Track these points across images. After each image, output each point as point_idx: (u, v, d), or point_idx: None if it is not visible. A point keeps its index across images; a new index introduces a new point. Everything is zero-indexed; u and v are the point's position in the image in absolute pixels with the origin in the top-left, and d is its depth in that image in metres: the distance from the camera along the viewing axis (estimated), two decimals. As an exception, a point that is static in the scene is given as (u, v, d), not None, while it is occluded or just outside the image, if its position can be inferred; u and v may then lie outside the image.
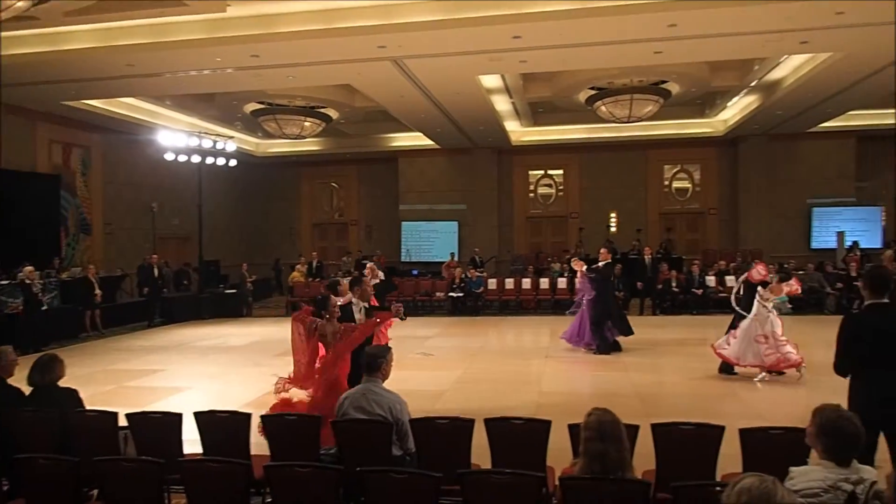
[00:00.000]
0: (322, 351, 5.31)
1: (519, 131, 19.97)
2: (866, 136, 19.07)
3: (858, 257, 16.08)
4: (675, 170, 21.11)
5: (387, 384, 4.17)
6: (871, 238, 18.45)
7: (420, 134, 18.97)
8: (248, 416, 4.26)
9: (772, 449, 3.34)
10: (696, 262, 16.17)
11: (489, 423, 3.77)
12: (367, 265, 9.02)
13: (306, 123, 16.72)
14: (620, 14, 9.22)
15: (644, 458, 3.71)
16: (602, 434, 2.63)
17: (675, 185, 21.17)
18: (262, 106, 16.04)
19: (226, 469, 3.42)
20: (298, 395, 5.52)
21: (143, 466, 3.51)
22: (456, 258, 18.92)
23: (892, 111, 17.82)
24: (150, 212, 18.10)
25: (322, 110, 16.55)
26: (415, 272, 19.50)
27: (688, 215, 21.13)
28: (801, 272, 15.54)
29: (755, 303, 8.22)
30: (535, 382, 8.45)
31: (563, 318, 12.52)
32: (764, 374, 8.04)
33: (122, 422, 4.39)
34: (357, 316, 6.03)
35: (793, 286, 8.44)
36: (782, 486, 1.87)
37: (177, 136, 15.25)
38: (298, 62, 11.41)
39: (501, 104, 16.40)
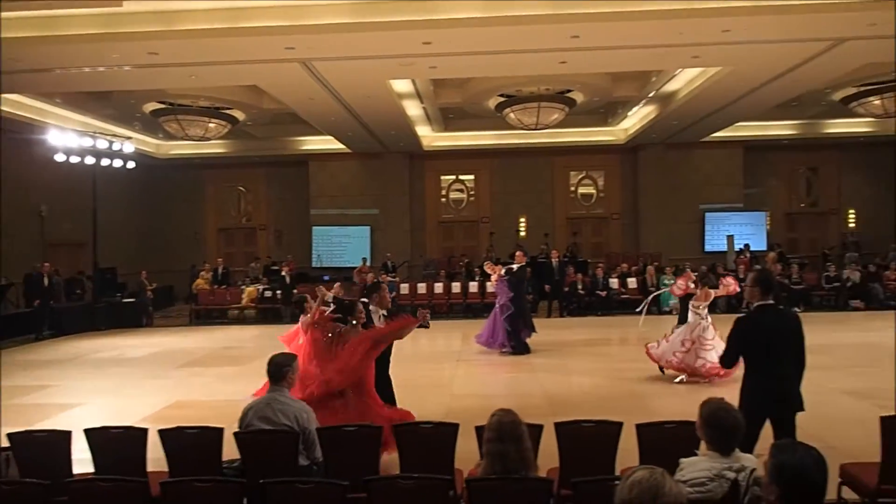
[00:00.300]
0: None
1: (430, 136, 20.11)
2: (752, 146, 20.50)
3: (748, 259, 17.22)
4: (580, 176, 21.89)
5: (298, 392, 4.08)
6: (757, 241, 19.81)
7: (331, 137, 18.73)
8: (145, 431, 4.06)
9: (665, 442, 3.51)
10: (600, 265, 16.82)
11: (397, 428, 3.77)
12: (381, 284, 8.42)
13: (211, 125, 16.14)
14: (527, 24, 9.46)
15: (551, 457, 3.83)
16: (502, 435, 2.69)
17: (581, 190, 21.95)
18: (162, 106, 15.36)
19: (119, 488, 3.24)
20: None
21: (25, 489, 3.28)
22: (368, 263, 18.80)
23: (775, 123, 19.33)
24: (39, 216, 16.91)
25: (227, 111, 16.04)
26: (326, 278, 19.19)
27: (593, 220, 21.94)
28: (695, 273, 16.47)
29: (689, 311, 8.44)
30: (447, 386, 8.51)
31: (477, 322, 12.71)
32: (683, 376, 8.28)
33: (5, 442, 4.08)
34: (377, 323, 5.85)
35: (730, 286, 8.70)
36: (670, 478, 1.97)
37: (68, 136, 14.34)
38: (201, 61, 11.00)
39: (413, 109, 16.46)
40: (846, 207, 21.73)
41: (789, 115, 18.97)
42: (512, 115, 15.82)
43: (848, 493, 3.96)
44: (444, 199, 22.16)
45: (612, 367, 9.49)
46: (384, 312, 5.96)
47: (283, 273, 16.34)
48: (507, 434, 2.66)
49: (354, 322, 5.30)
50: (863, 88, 14.93)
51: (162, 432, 4.09)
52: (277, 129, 19.75)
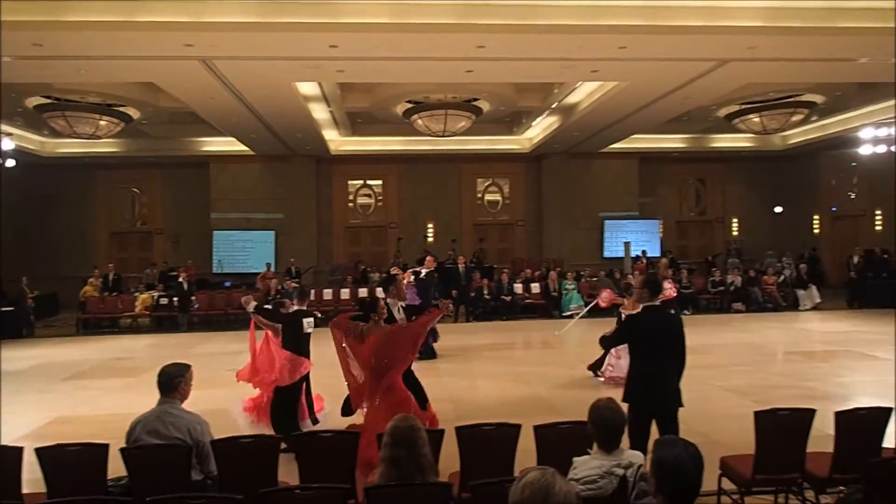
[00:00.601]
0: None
1: (338, 140, 19.89)
2: (647, 157, 21.62)
3: (644, 265, 18.11)
4: (487, 183, 22.30)
5: (197, 403, 3.91)
6: (651, 247, 20.86)
7: (233, 139, 18.14)
8: (20, 450, 3.76)
9: (561, 442, 3.63)
10: (505, 271, 17.19)
11: (297, 438, 3.69)
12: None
13: (102, 122, 15.20)
14: (434, 32, 9.55)
15: (454, 461, 3.85)
16: (396, 440, 2.70)
17: (488, 197, 22.36)
18: (48, 101, 14.32)
19: (-13, 513, 2.99)
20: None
21: None
22: (272, 269, 18.32)
23: (667, 136, 20.49)
24: None
25: (121, 108, 15.18)
26: (227, 284, 18.57)
27: (499, 226, 22.39)
28: (594, 279, 17.17)
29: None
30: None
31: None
32: (601, 378, 8.54)
33: None
34: (398, 315, 5.77)
35: (667, 291, 8.92)
36: (561, 478, 2.04)
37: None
38: (92, 55, 10.35)
39: (319, 112, 16.23)
40: (730, 216, 23.33)
41: (680, 130, 20.17)
42: (420, 121, 15.90)
43: (727, 484, 4.22)
44: (351, 204, 21.96)
45: (516, 370, 9.72)
46: (402, 304, 6.12)
47: (181, 279, 15.64)
48: (401, 439, 2.67)
49: (377, 318, 5.33)
50: (744, 106, 16.09)
51: (39, 451, 3.80)
52: (175, 129, 18.88)
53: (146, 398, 7.11)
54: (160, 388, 3.83)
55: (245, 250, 20.25)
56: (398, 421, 2.73)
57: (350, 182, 21.88)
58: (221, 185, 20.69)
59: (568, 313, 15.78)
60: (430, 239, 21.18)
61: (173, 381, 3.80)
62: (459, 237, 21.09)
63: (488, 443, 3.75)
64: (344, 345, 5.16)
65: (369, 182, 21.96)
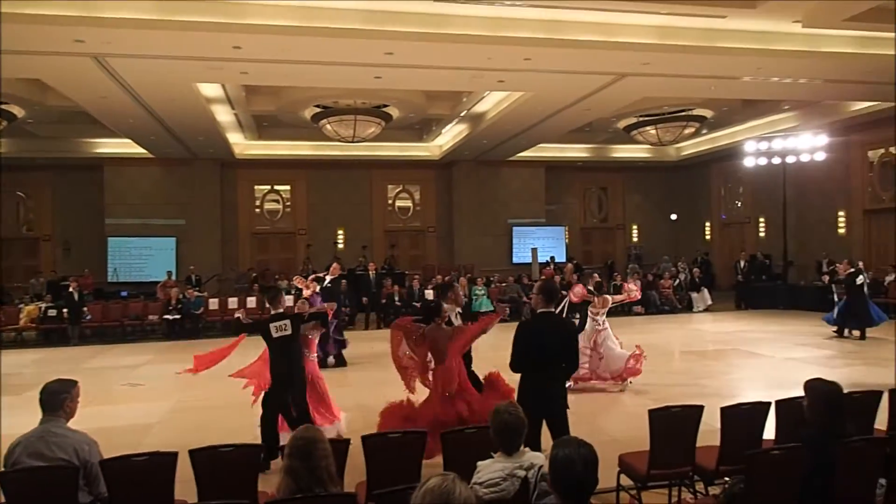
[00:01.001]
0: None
1: (243, 144, 19.31)
2: (553, 166, 22.33)
3: (552, 270, 18.62)
4: (397, 189, 22.32)
5: (85, 421, 3.66)
6: (558, 253, 21.51)
7: (130, 141, 17.24)
8: None
9: (467, 447, 3.66)
10: (416, 277, 17.22)
11: (195, 454, 3.54)
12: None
13: (-20, 121, 14.09)
14: (342, 37, 9.48)
15: (362, 470, 3.81)
16: (293, 452, 2.65)
17: (398, 203, 22.38)
18: (-83, 95, 13.11)
19: None
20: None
21: None
22: (174, 277, 17.54)
23: (571, 146, 21.23)
24: None
25: (3, 107, 14.09)
26: (124, 293, 17.59)
27: (410, 233, 22.45)
28: (503, 284, 17.52)
29: (588, 318, 8.52)
30: (259, 405, 8.15)
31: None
32: (570, 383, 8.59)
33: None
34: (455, 321, 6.11)
35: (632, 292, 9.06)
36: (462, 483, 2.07)
37: None
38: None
39: (223, 115, 15.70)
40: (630, 223, 24.47)
41: (583, 140, 20.97)
42: (329, 126, 15.71)
43: (626, 481, 4.40)
44: (258, 210, 21.39)
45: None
46: (459, 310, 6.34)
47: (71, 289, 14.66)
48: (297, 451, 2.62)
49: (439, 322, 5.63)
50: (641, 119, 16.94)
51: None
52: (66, 129, 17.72)
53: (30, 418, 6.63)
54: (42, 406, 3.56)
55: (143, 258, 19.27)
56: (298, 432, 2.68)
57: (257, 187, 21.31)
58: (117, 189, 19.61)
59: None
60: (341, 245, 20.96)
61: (57, 398, 3.55)
62: (370, 243, 20.98)
63: (395, 451, 3.74)
64: (404, 345, 5.61)
65: (277, 187, 21.46)
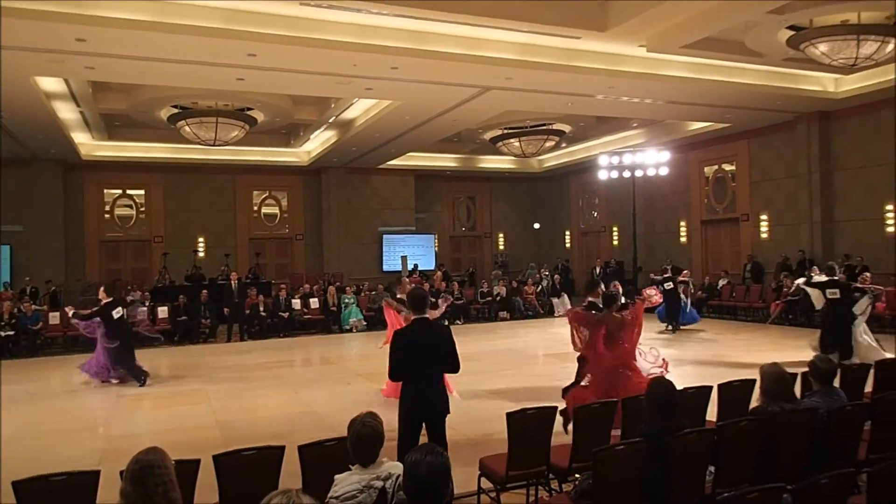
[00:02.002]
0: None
1: (90, 144, 17.85)
2: (422, 174, 22.62)
3: (418, 277, 18.80)
4: (263, 196, 21.62)
5: None
6: (427, 261, 21.82)
7: (-47, 137, 15.37)
8: None
9: (325, 460, 3.58)
10: (283, 286, 16.70)
11: (18, 485, 3.18)
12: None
13: None
14: (201, 35, 9.02)
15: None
16: (129, 476, 2.46)
17: (265, 210, 21.67)
18: None
19: None
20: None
21: None
22: (9, 289, 15.83)
23: (440, 155, 21.63)
24: None
25: None
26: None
27: (277, 240, 21.78)
28: (373, 293, 17.44)
29: None
30: (100, 427, 7.54)
31: (151, 352, 11.53)
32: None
33: None
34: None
35: (652, 297, 9.01)
36: (306, 497, 2.02)
37: None
38: None
39: (66, 112, 14.42)
40: (497, 231, 25.31)
41: (452, 150, 21.45)
42: (188, 128, 14.89)
43: (486, 484, 4.50)
44: (108, 216, 19.84)
45: (293, 389, 9.45)
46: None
47: None
48: (132, 476, 2.43)
49: (614, 309, 6.54)
50: (506, 131, 17.59)
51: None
52: None
53: None
54: None
55: (-31, 268, 17.24)
56: (140, 454, 2.49)
57: (107, 191, 19.80)
58: (-63, 191, 17.38)
59: (347, 327, 15.81)
60: (202, 254, 19.90)
61: None
62: (234, 252, 20.13)
63: (249, 468, 3.57)
64: (582, 328, 6.45)
65: (130, 191, 20.05)
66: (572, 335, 6.56)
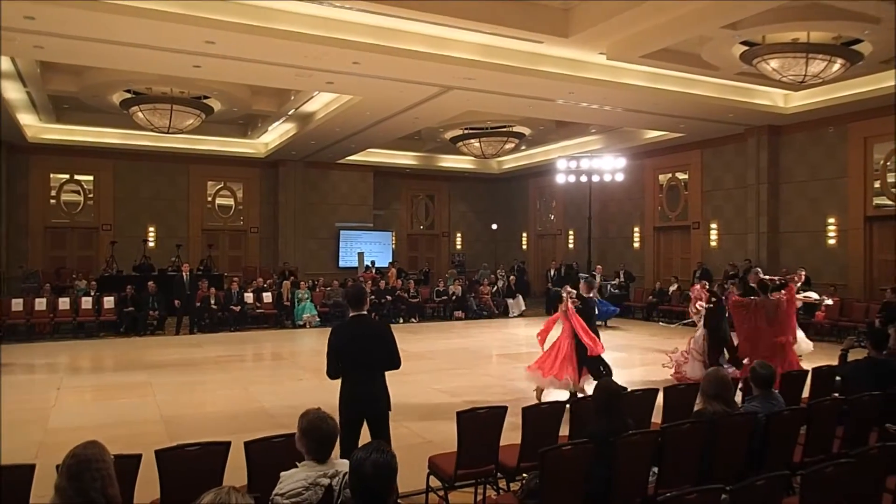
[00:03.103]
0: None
1: (37, 127, 17.19)
2: (381, 171, 22.50)
3: (374, 274, 18.70)
4: (218, 186, 21.17)
5: None
6: (384, 258, 21.69)
7: None
8: None
9: (271, 457, 3.53)
10: (236, 279, 16.41)
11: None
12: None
13: None
14: (155, 19, 8.77)
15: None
16: (64, 470, 2.39)
17: (219, 201, 21.23)
18: None
19: None
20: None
21: None
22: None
23: (400, 153, 21.57)
24: None
25: None
26: None
27: (230, 232, 21.36)
28: (328, 288, 17.29)
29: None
30: (40, 420, 7.27)
31: (95, 343, 11.22)
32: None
33: None
34: None
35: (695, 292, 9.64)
36: (239, 495, 2.00)
37: None
38: None
39: (12, 92, 13.85)
40: (455, 231, 25.37)
41: (412, 148, 21.41)
42: (141, 114, 14.48)
43: (435, 482, 4.51)
44: (54, 201, 19.14)
45: (242, 385, 9.30)
46: None
47: None
48: (67, 471, 2.36)
49: (769, 295, 7.67)
50: (466, 131, 17.64)
51: None
52: None
53: None
54: None
55: None
56: (77, 448, 2.41)
57: (53, 175, 19.09)
58: None
59: (301, 322, 15.63)
60: (152, 244, 19.37)
61: None
62: (186, 242, 19.66)
63: (192, 463, 3.49)
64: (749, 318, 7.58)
65: (78, 177, 19.38)
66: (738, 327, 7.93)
